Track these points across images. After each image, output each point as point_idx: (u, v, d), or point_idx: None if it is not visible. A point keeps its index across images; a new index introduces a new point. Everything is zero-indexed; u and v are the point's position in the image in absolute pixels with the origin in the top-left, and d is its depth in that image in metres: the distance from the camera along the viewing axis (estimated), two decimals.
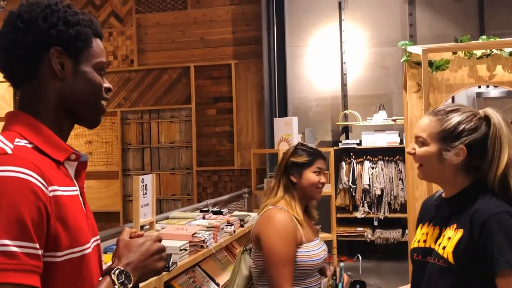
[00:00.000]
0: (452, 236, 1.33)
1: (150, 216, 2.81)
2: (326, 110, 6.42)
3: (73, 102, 1.04)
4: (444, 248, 1.32)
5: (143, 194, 2.75)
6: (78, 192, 1.03)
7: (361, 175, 5.91)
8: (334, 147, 5.90)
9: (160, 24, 6.92)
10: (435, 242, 1.39)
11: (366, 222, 5.97)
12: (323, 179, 1.97)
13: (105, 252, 2.57)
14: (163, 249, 1.08)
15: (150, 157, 6.94)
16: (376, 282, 4.93)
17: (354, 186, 5.93)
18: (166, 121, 6.89)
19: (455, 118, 1.36)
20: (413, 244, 1.48)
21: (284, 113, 6.12)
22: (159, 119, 6.92)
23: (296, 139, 4.82)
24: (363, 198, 5.90)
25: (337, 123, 6.22)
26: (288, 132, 4.82)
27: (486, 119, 1.37)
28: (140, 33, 6.98)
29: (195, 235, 2.70)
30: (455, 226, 1.34)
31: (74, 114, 1.06)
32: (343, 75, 6.35)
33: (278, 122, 5.03)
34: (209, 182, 6.71)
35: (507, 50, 3.47)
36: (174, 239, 2.63)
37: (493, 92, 6.72)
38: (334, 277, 1.93)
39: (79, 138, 7.14)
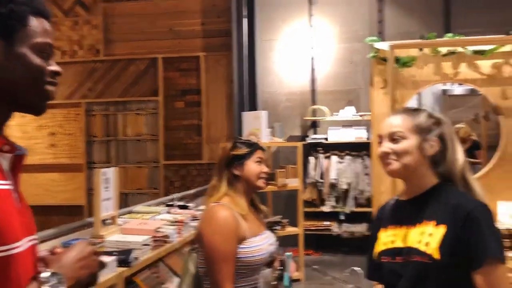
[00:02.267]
0: (434, 232, 1.34)
1: (112, 210, 2.73)
2: (295, 105, 6.43)
3: (8, 87, 0.95)
4: (427, 244, 1.33)
5: (105, 188, 2.67)
6: (10, 187, 0.94)
7: (328, 169, 5.95)
8: (302, 142, 5.92)
9: (128, 14, 6.75)
10: (403, 241, 1.40)
11: (332, 216, 6.02)
12: (265, 169, 1.98)
13: (64, 247, 2.48)
14: (96, 252, 1.03)
15: (116, 150, 6.79)
16: (341, 276, 4.98)
17: (322, 181, 5.97)
18: (132, 114, 6.75)
19: (422, 113, 1.45)
20: (379, 247, 1.46)
21: (253, 107, 6.09)
22: (125, 111, 6.77)
23: (265, 133, 4.80)
24: (330, 193, 5.95)
25: (306, 118, 6.24)
26: (257, 126, 4.79)
27: (436, 118, 1.47)
28: (107, 22, 6.79)
29: (158, 230, 2.65)
30: (434, 222, 1.35)
31: (11, 100, 0.97)
32: (312, 70, 6.37)
33: (247, 116, 4.99)
34: (177, 176, 6.62)
35: (471, 48, 3.53)
36: (136, 234, 2.57)
37: (458, 90, 6.88)
38: (281, 267, 1.91)
39: (41, 129, 6.91)
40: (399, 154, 1.40)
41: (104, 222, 2.82)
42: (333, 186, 5.94)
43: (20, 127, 6.92)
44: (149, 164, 6.73)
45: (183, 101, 6.65)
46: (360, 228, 5.82)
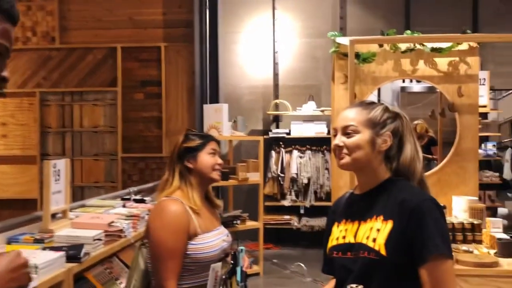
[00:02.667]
0: (381, 227, 1.32)
1: (63, 204, 2.61)
2: (258, 99, 6.39)
3: None
4: (374, 240, 1.31)
5: (56, 180, 2.55)
6: None
7: (289, 164, 5.96)
8: (264, 136, 5.90)
9: (84, 1, 6.50)
10: (354, 236, 1.38)
11: (293, 210, 6.04)
12: (219, 161, 1.94)
13: (9, 243, 2.35)
14: (27, 264, 0.96)
15: (71, 141, 6.55)
16: (300, 269, 5.00)
17: (283, 175, 5.97)
18: (89, 104, 6.52)
19: (378, 107, 1.43)
20: (331, 242, 1.44)
21: (215, 100, 6.01)
22: (82, 102, 6.53)
23: (226, 126, 4.74)
24: (291, 187, 5.96)
25: (268, 112, 6.22)
26: (218, 120, 4.72)
27: (394, 113, 1.45)
28: (63, 9, 6.52)
29: (111, 224, 2.55)
30: (382, 217, 1.33)
31: None
32: (275, 64, 6.34)
33: (208, 108, 4.91)
34: (135, 169, 6.46)
35: (429, 45, 3.59)
36: (88, 228, 2.46)
37: (416, 87, 7.04)
38: (232, 262, 1.87)
39: None
40: (350, 148, 1.38)
41: (54, 216, 2.70)
42: (293, 180, 5.95)
43: None
44: (106, 156, 6.54)
45: (142, 92, 6.48)
46: (320, 222, 5.87)
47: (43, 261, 1.93)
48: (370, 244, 1.32)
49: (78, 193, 6.49)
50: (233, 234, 4.79)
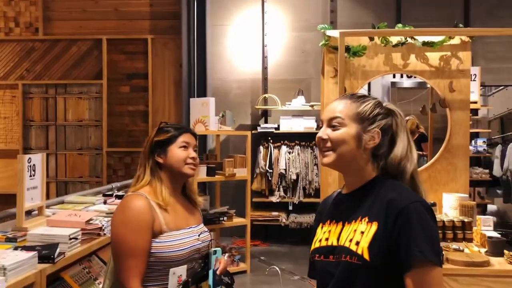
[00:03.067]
0: (365, 230, 1.22)
1: (39, 200, 2.49)
2: (246, 93, 6.28)
3: None
4: (357, 243, 1.21)
5: (30, 176, 2.43)
6: None
7: (278, 159, 5.87)
8: (253, 131, 5.80)
9: None
10: (337, 239, 1.28)
11: (281, 206, 5.96)
12: (192, 154, 1.80)
13: None
14: None
15: (55, 135, 6.40)
16: (288, 266, 4.93)
17: (271, 171, 5.88)
18: (74, 97, 6.37)
19: (369, 101, 1.33)
20: (314, 245, 1.34)
21: (203, 93, 5.90)
22: (66, 95, 6.37)
23: (213, 120, 4.63)
24: (279, 183, 5.87)
25: (257, 107, 6.12)
26: (204, 114, 4.60)
27: (387, 109, 1.36)
28: None
29: (90, 222, 2.43)
30: (366, 219, 1.24)
31: None
32: (264, 58, 6.24)
33: (195, 102, 4.79)
34: (121, 164, 6.33)
35: (421, 40, 3.52)
36: (64, 226, 2.35)
37: (407, 83, 6.99)
38: (203, 264, 1.74)
39: None
40: (334, 142, 1.28)
41: (30, 213, 2.58)
42: (282, 176, 5.86)
43: None
44: (91, 151, 6.39)
45: (128, 85, 6.34)
46: (308, 219, 5.80)
47: (13, 262, 1.82)
48: (353, 247, 1.22)
49: (62, 188, 6.35)
50: (216, 233, 4.68)
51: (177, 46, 6.13)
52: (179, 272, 1.68)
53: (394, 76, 6.81)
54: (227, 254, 1.94)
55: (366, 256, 1.19)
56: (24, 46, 6.37)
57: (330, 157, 1.28)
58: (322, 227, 1.36)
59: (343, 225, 1.29)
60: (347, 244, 1.23)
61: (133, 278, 1.61)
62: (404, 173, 1.30)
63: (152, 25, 6.28)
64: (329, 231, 1.32)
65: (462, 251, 2.50)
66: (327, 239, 1.31)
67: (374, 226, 1.21)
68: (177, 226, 1.73)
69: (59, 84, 6.36)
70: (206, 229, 1.88)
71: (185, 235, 1.73)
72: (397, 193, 1.23)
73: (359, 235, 1.22)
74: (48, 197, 6.23)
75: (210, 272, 1.71)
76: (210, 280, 1.70)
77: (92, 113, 6.36)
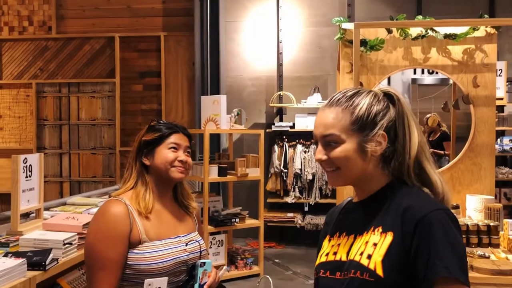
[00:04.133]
0: (379, 241, 1.05)
1: (36, 203, 2.38)
2: (261, 91, 6.13)
3: None
4: (369, 257, 1.04)
5: (27, 177, 2.32)
6: None
7: (293, 159, 5.70)
8: (267, 130, 5.64)
9: None
10: (347, 253, 1.11)
11: (296, 207, 5.79)
12: (181, 157, 1.64)
13: None
14: None
15: (68, 134, 6.35)
16: (303, 270, 4.75)
17: (286, 171, 5.71)
18: (87, 96, 6.31)
19: (363, 101, 1.11)
20: (320, 259, 1.18)
21: (216, 91, 5.76)
22: (79, 94, 6.32)
23: (224, 119, 4.49)
24: (295, 183, 5.70)
25: (271, 105, 5.95)
26: (216, 112, 4.46)
27: (387, 96, 1.15)
28: None
29: (87, 225, 2.31)
30: (380, 229, 1.07)
31: None
32: (279, 54, 6.07)
33: (206, 100, 4.66)
34: None
35: (442, 32, 3.32)
36: (60, 230, 2.22)
37: (428, 79, 6.75)
38: (187, 277, 1.59)
39: None
40: (336, 162, 1.10)
41: (28, 215, 2.48)
42: (297, 176, 5.69)
43: None
44: (104, 150, 6.33)
45: (141, 84, 6.25)
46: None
47: None
48: (364, 261, 1.04)
49: (76, 188, 6.31)
50: (229, 234, 4.52)
51: (190, 43, 6.02)
52: (157, 284, 1.52)
53: (414, 72, 6.58)
54: (225, 268, 1.77)
55: (379, 271, 1.02)
56: (37, 45, 6.35)
57: (338, 178, 1.11)
58: (329, 240, 1.19)
59: (355, 238, 1.12)
60: (357, 258, 1.06)
61: None
62: (422, 173, 1.12)
63: (165, 22, 6.17)
64: (338, 244, 1.15)
65: (488, 257, 2.33)
66: (335, 253, 1.14)
67: (389, 237, 1.04)
68: (159, 236, 1.57)
69: (72, 83, 6.32)
70: (199, 238, 1.71)
71: (168, 246, 1.57)
72: (414, 200, 1.06)
73: (371, 247, 1.05)
74: (61, 196, 6.20)
75: (196, 286, 1.55)
76: None
77: (105, 112, 6.30)
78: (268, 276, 1.51)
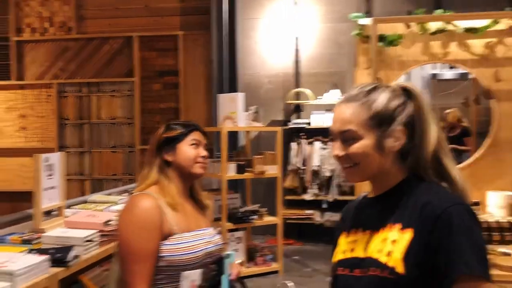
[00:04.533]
0: (398, 238, 1.04)
1: (57, 201, 2.43)
2: (278, 88, 6.12)
3: None
4: (389, 254, 1.03)
5: (48, 176, 2.37)
6: None
7: (311, 156, 5.68)
8: (284, 127, 5.64)
9: None
10: (365, 250, 1.10)
11: (315, 204, 5.77)
12: (203, 153, 1.70)
13: None
14: None
15: (89, 133, 6.46)
16: (322, 267, 4.74)
17: (304, 168, 5.70)
18: (107, 95, 6.40)
19: (381, 96, 1.10)
20: (337, 256, 1.17)
21: (233, 89, 5.78)
22: (99, 93, 6.42)
23: (241, 116, 4.50)
24: (313, 180, 5.68)
25: (288, 102, 5.94)
26: (233, 110, 4.48)
27: (405, 91, 1.13)
28: None
29: (108, 223, 2.35)
30: (398, 226, 1.06)
31: None
32: (296, 51, 6.05)
33: (223, 98, 4.68)
34: None
35: (462, 26, 3.27)
36: (81, 227, 2.27)
37: (448, 74, 6.65)
38: (216, 269, 1.62)
39: (11, 111, 6.55)
40: (354, 158, 1.09)
41: (50, 213, 2.53)
42: (315, 173, 5.67)
43: None
44: (124, 148, 6.41)
45: (160, 82, 6.31)
46: None
47: (22, 266, 1.75)
48: (383, 259, 1.03)
49: (97, 186, 6.41)
50: (248, 232, 4.53)
51: (208, 41, 6.05)
52: (193, 277, 1.56)
53: (434, 67, 6.49)
54: (237, 260, 1.81)
55: (400, 269, 1.01)
56: (58, 46, 6.46)
57: (356, 175, 1.11)
58: (346, 237, 1.18)
59: (372, 234, 1.11)
60: (376, 256, 1.06)
61: (140, 284, 1.50)
62: (441, 168, 1.10)
63: (183, 21, 6.21)
64: (355, 241, 1.14)
65: (510, 255, 2.29)
66: (352, 250, 1.13)
67: (408, 234, 1.03)
68: (187, 228, 1.61)
69: (92, 83, 6.41)
70: (218, 232, 1.77)
71: (196, 237, 1.61)
72: (433, 195, 1.05)
73: (390, 244, 1.04)
74: (83, 194, 6.31)
75: (224, 277, 1.58)
76: (225, 286, 1.58)
77: (124, 111, 6.38)
78: (286, 282, 1.53)
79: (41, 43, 6.46)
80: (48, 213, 2.47)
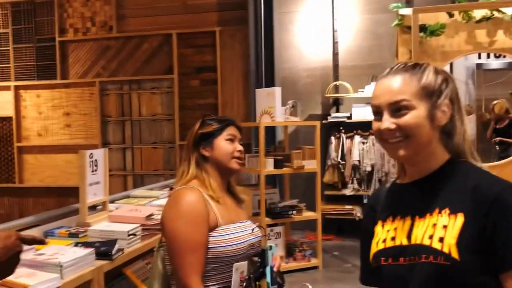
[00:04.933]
0: (448, 223, 1.02)
1: (101, 195, 2.50)
2: (316, 81, 6.05)
3: None
4: (441, 240, 1.01)
5: (93, 171, 2.44)
6: None
7: (351, 150, 5.60)
8: (323, 121, 5.58)
9: None
10: (408, 237, 1.07)
11: (355, 199, 5.68)
12: (239, 147, 1.72)
13: (45, 236, 2.28)
14: (18, 235, 1.08)
15: (131, 130, 6.61)
16: None
17: (343, 162, 5.63)
18: (147, 93, 6.53)
19: (427, 70, 1.09)
20: (378, 246, 1.13)
21: (271, 84, 5.76)
22: (139, 90, 6.55)
23: (279, 111, 4.49)
24: (353, 175, 5.60)
25: (327, 95, 5.87)
26: (270, 104, 4.47)
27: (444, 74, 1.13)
28: None
29: (150, 217, 2.40)
30: (447, 210, 1.03)
31: None
32: (334, 43, 5.96)
33: (260, 93, 4.67)
34: None
35: (510, 13, 3.13)
36: (125, 222, 2.33)
37: (494, 64, 6.39)
38: (259, 261, 1.61)
39: (56, 109, 6.80)
40: (406, 130, 1.05)
41: (95, 208, 2.61)
42: (355, 168, 5.58)
43: (36, 107, 6.83)
44: (164, 144, 6.53)
45: (198, 79, 6.37)
46: None
47: (70, 259, 1.81)
48: (436, 245, 1.01)
49: (139, 181, 6.56)
50: (286, 227, 4.50)
51: (245, 36, 6.05)
52: (242, 268, 1.59)
53: (479, 57, 6.24)
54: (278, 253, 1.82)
55: (454, 254, 0.99)
56: (100, 45, 6.63)
57: (407, 148, 1.06)
58: (383, 225, 1.15)
59: (413, 220, 1.08)
60: (426, 242, 1.03)
61: (194, 275, 1.52)
62: (472, 150, 1.11)
63: (220, 17, 6.24)
64: (395, 228, 1.11)
65: None
66: (393, 238, 1.10)
67: (460, 219, 1.01)
68: (230, 220, 1.64)
69: (133, 80, 6.56)
70: (258, 225, 1.77)
71: (240, 229, 1.64)
72: (482, 178, 1.04)
73: (441, 230, 1.02)
74: (125, 189, 6.48)
75: (268, 269, 1.58)
76: (268, 278, 1.58)
77: (164, 107, 6.49)
78: (306, 284, 1.53)
79: (84, 42, 6.65)
80: (93, 208, 2.55)
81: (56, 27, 6.66)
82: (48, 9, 6.71)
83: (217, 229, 1.58)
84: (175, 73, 6.38)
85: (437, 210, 1.05)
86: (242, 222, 1.69)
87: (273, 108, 4.38)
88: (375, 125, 1.09)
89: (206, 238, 1.56)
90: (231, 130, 1.72)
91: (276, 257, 1.64)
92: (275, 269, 1.61)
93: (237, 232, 1.62)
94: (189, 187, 1.63)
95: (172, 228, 1.56)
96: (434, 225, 1.04)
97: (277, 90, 4.47)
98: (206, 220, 1.57)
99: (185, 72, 6.38)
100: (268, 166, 4.35)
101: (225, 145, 1.69)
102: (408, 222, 1.09)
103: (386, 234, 1.12)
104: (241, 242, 1.60)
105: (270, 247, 1.62)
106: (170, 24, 6.37)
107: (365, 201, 5.68)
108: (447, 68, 3.40)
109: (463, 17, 3.23)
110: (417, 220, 1.07)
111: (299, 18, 6.06)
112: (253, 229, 1.69)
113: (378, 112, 1.09)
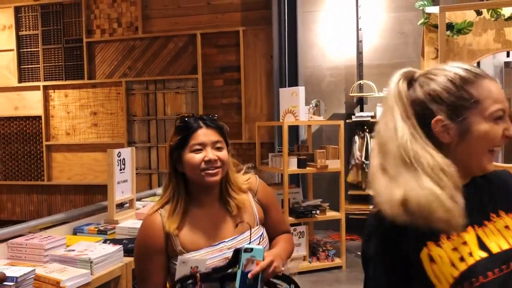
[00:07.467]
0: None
1: (129, 193, 2.56)
2: (340, 80, 6.03)
3: None
4: None
5: (121, 169, 2.50)
6: None
7: None
8: (347, 120, 5.55)
9: None
10: (482, 247, 0.98)
11: None
12: (208, 155, 1.44)
13: (75, 233, 2.34)
14: None
15: (156, 129, 6.71)
16: None
17: (368, 162, 5.58)
18: (172, 92, 6.61)
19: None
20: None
21: (294, 83, 5.76)
22: (164, 90, 6.64)
23: (302, 110, 4.48)
24: None
25: (351, 94, 5.84)
26: (294, 104, 4.47)
27: None
28: None
29: None
30: (502, 213, 1.03)
31: None
32: (358, 42, 5.92)
33: (284, 92, 4.68)
34: None
35: None
36: None
37: None
38: (230, 262, 1.44)
39: (83, 109, 6.94)
40: None
41: (123, 205, 2.67)
42: None
43: (64, 106, 6.99)
44: None
45: (222, 78, 6.41)
46: None
47: (99, 255, 1.86)
48: None
49: (164, 180, 6.64)
50: (310, 226, 4.49)
51: (268, 36, 6.07)
52: (194, 264, 1.42)
53: (508, 55, 6.10)
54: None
55: None
56: (126, 45, 6.74)
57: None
58: (440, 246, 0.98)
59: (477, 229, 1.00)
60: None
61: None
62: None
63: (243, 17, 6.27)
64: (463, 243, 0.98)
65: None
66: (470, 254, 0.97)
67: None
68: (197, 246, 1.47)
69: (158, 80, 6.65)
70: (256, 236, 1.54)
71: (208, 255, 1.46)
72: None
73: None
74: (150, 188, 6.57)
75: (238, 272, 1.40)
76: (237, 282, 1.39)
77: (188, 107, 6.55)
78: None
79: (110, 43, 6.77)
80: (120, 205, 2.61)
81: (84, 28, 6.80)
82: (76, 10, 6.86)
83: (178, 256, 1.44)
84: (199, 72, 6.44)
85: (500, 212, 1.03)
86: (221, 243, 1.49)
87: (296, 107, 4.38)
88: (499, 129, 1.00)
89: (160, 267, 1.47)
90: (196, 138, 1.46)
91: (258, 262, 1.40)
92: (250, 275, 1.38)
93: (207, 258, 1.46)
94: (153, 215, 1.50)
95: (134, 255, 1.56)
96: (507, 226, 1.00)
97: (301, 89, 4.47)
98: (161, 250, 1.47)
99: (209, 71, 6.43)
100: (292, 166, 4.35)
101: (191, 158, 1.45)
102: (471, 233, 1.00)
103: (454, 254, 0.98)
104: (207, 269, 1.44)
105: (250, 249, 1.41)
106: (195, 24, 6.43)
107: None
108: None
109: (492, 15, 3.17)
110: (481, 228, 1.00)
111: (322, 17, 6.04)
112: (229, 249, 1.48)
113: (501, 117, 1.00)
